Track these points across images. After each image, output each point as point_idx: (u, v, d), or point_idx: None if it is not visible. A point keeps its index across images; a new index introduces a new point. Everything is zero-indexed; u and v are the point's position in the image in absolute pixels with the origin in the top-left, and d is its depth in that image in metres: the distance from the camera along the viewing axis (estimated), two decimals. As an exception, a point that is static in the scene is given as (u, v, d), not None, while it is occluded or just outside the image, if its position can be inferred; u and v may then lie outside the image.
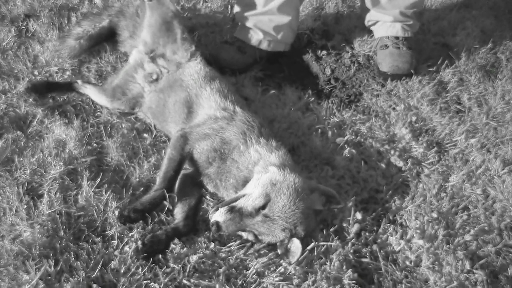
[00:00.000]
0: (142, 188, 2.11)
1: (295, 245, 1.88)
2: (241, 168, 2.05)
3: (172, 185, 2.05)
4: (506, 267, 1.98)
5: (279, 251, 1.92)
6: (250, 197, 1.89)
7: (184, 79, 2.39)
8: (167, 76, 2.45)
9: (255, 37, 2.93)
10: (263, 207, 1.86)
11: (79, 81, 2.58)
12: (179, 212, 2.03)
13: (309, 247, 1.93)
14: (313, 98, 2.79)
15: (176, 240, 1.90)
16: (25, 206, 1.92)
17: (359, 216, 2.08)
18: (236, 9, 3.01)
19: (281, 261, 1.90)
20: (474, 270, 1.92)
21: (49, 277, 1.70)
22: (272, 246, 1.94)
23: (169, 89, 2.38)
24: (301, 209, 1.88)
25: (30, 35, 2.98)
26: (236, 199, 1.91)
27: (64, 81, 2.62)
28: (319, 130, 2.52)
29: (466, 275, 1.90)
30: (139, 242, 1.85)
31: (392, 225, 2.10)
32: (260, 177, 1.96)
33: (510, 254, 2.03)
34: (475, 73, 3.09)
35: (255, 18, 2.91)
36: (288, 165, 2.02)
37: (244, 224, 1.85)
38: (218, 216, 1.84)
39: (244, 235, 1.93)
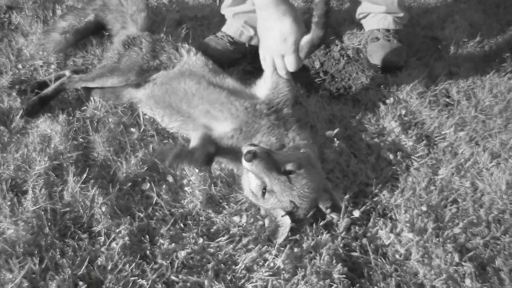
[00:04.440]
0: (129, 184, 2.07)
1: (285, 224, 1.90)
2: (289, 137, 2.15)
3: None
4: (494, 259, 1.98)
5: (266, 223, 1.96)
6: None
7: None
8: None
9: (246, 34, 2.91)
10: (291, 172, 1.89)
11: (67, 73, 2.54)
12: (200, 149, 2.07)
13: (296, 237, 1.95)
14: (302, 92, 2.77)
15: (164, 232, 1.89)
16: (9, 203, 1.88)
17: (357, 214, 2.07)
18: (225, 4, 2.97)
19: (268, 253, 1.88)
20: (463, 263, 1.93)
21: (34, 275, 1.67)
22: (260, 241, 1.93)
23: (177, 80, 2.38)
24: (312, 197, 1.93)
25: (13, 27, 2.92)
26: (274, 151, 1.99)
27: (54, 88, 2.43)
28: (309, 124, 2.50)
29: (455, 267, 1.91)
30: None
31: (382, 218, 2.10)
32: (300, 148, 2.07)
33: (498, 246, 2.04)
34: (464, 67, 3.09)
35: (245, 16, 2.89)
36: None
37: (269, 172, 1.86)
38: (258, 149, 1.87)
39: (255, 183, 1.94)
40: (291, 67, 2.18)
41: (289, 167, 1.90)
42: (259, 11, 2.11)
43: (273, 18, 2.05)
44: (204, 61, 2.49)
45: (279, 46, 2.11)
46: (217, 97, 2.25)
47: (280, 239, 1.90)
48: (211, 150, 2.07)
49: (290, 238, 1.92)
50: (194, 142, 2.19)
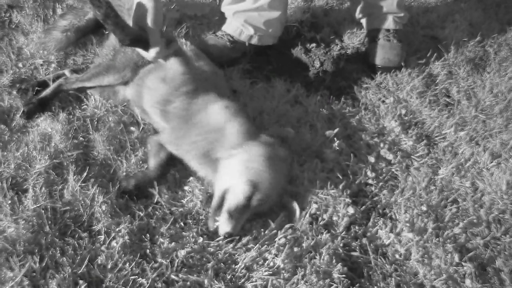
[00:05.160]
0: (123, 181, 2.07)
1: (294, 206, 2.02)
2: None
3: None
4: (494, 259, 1.98)
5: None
6: (237, 191, 1.91)
7: None
8: None
9: (246, 33, 2.90)
10: (254, 193, 1.90)
11: (67, 72, 2.54)
12: (152, 160, 2.15)
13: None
14: (302, 91, 2.77)
15: (164, 231, 1.89)
16: (9, 202, 1.88)
17: (351, 210, 2.07)
18: (225, 2, 2.97)
19: (267, 252, 1.88)
20: (463, 263, 1.93)
21: (34, 274, 1.67)
22: (259, 240, 1.93)
23: (148, 73, 2.40)
24: (281, 172, 1.99)
25: (13, 26, 2.92)
26: (221, 200, 1.93)
27: (52, 90, 2.43)
28: (308, 123, 2.51)
29: (455, 267, 1.91)
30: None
31: (381, 218, 2.10)
32: (229, 164, 1.99)
33: (498, 247, 2.04)
34: (464, 66, 3.09)
35: (245, 14, 2.88)
36: (246, 136, 2.06)
37: (245, 216, 1.90)
38: (226, 227, 1.86)
39: None
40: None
41: (247, 194, 1.91)
42: None
43: None
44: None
45: None
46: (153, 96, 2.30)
47: (296, 219, 2.01)
48: (163, 158, 2.16)
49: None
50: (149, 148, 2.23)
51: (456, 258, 1.93)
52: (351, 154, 2.35)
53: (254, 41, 2.93)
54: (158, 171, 2.12)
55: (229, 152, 2.02)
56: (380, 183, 2.25)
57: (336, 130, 2.44)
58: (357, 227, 2.05)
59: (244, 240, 1.92)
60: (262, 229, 1.97)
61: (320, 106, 2.67)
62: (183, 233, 1.93)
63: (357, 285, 1.83)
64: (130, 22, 2.62)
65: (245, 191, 1.90)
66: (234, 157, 2.00)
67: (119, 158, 2.18)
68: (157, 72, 2.34)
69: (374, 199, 2.19)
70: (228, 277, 1.80)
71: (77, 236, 1.84)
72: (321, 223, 2.02)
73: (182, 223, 1.97)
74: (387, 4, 2.97)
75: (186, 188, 2.13)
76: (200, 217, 2.01)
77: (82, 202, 1.93)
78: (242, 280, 1.79)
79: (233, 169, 1.97)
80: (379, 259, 1.93)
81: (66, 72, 2.56)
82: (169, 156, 2.18)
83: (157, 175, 2.11)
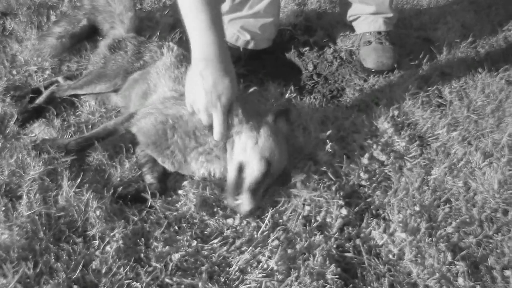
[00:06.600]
0: (121, 187, 2.08)
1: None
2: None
3: (83, 148, 2.14)
4: (486, 257, 2.00)
5: None
6: (254, 168, 1.95)
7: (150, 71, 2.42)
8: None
9: (242, 39, 2.93)
10: (268, 169, 1.96)
11: (60, 79, 2.56)
12: (149, 175, 2.14)
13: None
14: (295, 94, 2.79)
15: (158, 235, 1.90)
16: (3, 208, 1.88)
17: (344, 211, 2.08)
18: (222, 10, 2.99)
19: (261, 255, 1.89)
20: (455, 262, 1.94)
21: (28, 280, 1.67)
22: (253, 242, 1.93)
23: (134, 83, 2.41)
24: (285, 146, 2.07)
25: (7, 34, 2.93)
26: (238, 173, 1.96)
27: (45, 97, 2.45)
28: (301, 126, 2.52)
29: (448, 266, 1.92)
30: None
31: (375, 219, 2.11)
32: (239, 139, 2.03)
33: (490, 245, 2.05)
34: (456, 67, 3.11)
35: (241, 21, 2.90)
36: (249, 113, 2.13)
37: (261, 192, 1.97)
38: (248, 205, 1.91)
39: None
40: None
41: (263, 170, 1.95)
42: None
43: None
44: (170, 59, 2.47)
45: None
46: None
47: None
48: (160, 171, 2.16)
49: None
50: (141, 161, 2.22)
51: (449, 257, 1.95)
52: (344, 156, 2.37)
53: (251, 46, 2.95)
54: (159, 186, 2.11)
55: (238, 128, 2.06)
56: (373, 184, 2.26)
57: (329, 132, 2.45)
58: (350, 228, 2.06)
59: (238, 242, 1.93)
60: (255, 232, 1.98)
61: (313, 108, 2.69)
62: (177, 237, 1.93)
63: (351, 285, 1.84)
64: (121, 29, 2.66)
65: (261, 168, 1.94)
66: (243, 133, 2.04)
67: (113, 163, 2.19)
68: (140, 86, 2.36)
69: (367, 200, 2.20)
70: (222, 280, 1.80)
71: (71, 241, 1.84)
72: (314, 224, 2.03)
73: (176, 227, 1.98)
74: (377, 4, 2.99)
75: (180, 192, 2.13)
76: (194, 220, 2.02)
77: (77, 208, 1.94)
78: (236, 283, 1.80)
79: (244, 144, 2.00)
80: (372, 260, 1.94)
81: (59, 79, 2.57)
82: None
83: (158, 187, 2.10)
